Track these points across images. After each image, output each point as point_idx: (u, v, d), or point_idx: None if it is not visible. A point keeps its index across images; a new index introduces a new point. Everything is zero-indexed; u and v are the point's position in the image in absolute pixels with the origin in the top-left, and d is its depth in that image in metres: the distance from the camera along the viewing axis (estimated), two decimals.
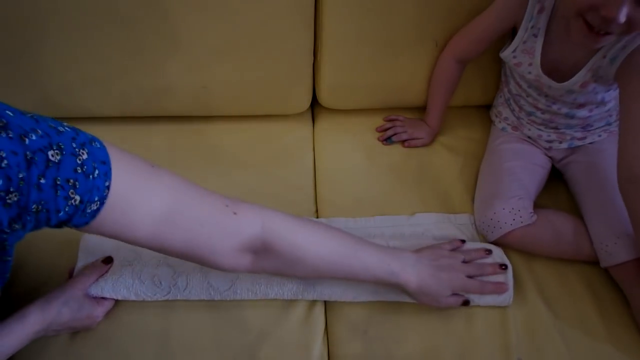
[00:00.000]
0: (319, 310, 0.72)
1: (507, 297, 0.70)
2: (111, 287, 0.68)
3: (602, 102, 0.77)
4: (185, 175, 0.84)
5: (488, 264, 0.72)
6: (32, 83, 0.83)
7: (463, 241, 0.75)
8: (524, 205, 0.77)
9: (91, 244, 0.72)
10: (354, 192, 0.86)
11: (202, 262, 0.57)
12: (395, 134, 0.94)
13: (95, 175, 0.44)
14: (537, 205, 0.80)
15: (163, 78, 0.85)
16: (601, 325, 0.71)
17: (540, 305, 0.72)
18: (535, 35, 0.75)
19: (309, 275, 0.65)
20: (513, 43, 0.78)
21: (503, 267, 0.71)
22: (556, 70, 0.76)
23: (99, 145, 0.46)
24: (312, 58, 0.88)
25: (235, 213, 0.55)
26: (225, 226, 0.55)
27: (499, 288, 0.70)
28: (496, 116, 0.93)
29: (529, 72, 0.78)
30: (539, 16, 0.74)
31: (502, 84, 0.91)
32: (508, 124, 0.90)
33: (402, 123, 0.95)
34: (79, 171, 0.43)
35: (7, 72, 0.83)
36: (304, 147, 0.95)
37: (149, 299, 0.69)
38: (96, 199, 0.45)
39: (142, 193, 0.49)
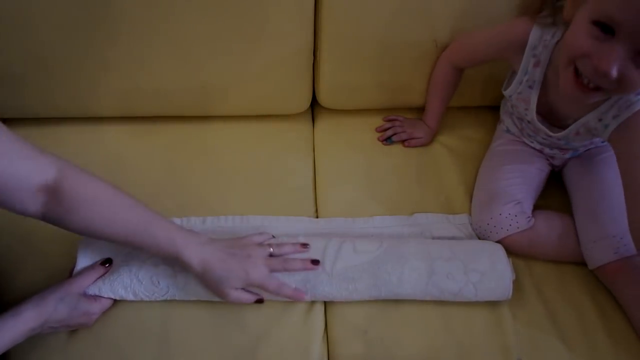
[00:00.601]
0: (319, 311, 0.72)
1: (506, 292, 0.70)
2: (109, 287, 0.68)
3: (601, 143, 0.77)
4: (185, 175, 0.86)
5: (298, 259, 0.68)
6: (30, 82, 0.83)
7: (273, 236, 0.72)
8: (521, 209, 0.77)
9: (90, 245, 0.71)
10: (353, 192, 0.86)
11: (9, 204, 0.57)
12: (395, 134, 0.94)
13: None
14: (536, 206, 0.80)
15: (162, 78, 0.85)
16: (600, 324, 0.71)
17: (540, 305, 0.72)
18: (530, 87, 0.75)
19: (94, 231, 0.62)
20: (510, 89, 0.77)
21: (315, 262, 0.68)
22: (551, 118, 0.76)
23: None
24: (312, 58, 0.88)
25: (39, 157, 0.59)
26: (30, 166, 0.57)
27: (296, 294, 0.67)
28: (502, 120, 0.92)
29: (526, 115, 0.78)
30: (535, 70, 0.72)
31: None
32: (512, 133, 0.89)
33: (402, 123, 0.95)
34: None
35: (6, 71, 0.82)
36: (304, 147, 0.94)
37: (147, 299, 0.69)
38: None
39: None
